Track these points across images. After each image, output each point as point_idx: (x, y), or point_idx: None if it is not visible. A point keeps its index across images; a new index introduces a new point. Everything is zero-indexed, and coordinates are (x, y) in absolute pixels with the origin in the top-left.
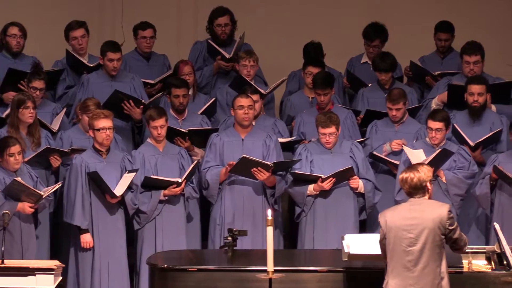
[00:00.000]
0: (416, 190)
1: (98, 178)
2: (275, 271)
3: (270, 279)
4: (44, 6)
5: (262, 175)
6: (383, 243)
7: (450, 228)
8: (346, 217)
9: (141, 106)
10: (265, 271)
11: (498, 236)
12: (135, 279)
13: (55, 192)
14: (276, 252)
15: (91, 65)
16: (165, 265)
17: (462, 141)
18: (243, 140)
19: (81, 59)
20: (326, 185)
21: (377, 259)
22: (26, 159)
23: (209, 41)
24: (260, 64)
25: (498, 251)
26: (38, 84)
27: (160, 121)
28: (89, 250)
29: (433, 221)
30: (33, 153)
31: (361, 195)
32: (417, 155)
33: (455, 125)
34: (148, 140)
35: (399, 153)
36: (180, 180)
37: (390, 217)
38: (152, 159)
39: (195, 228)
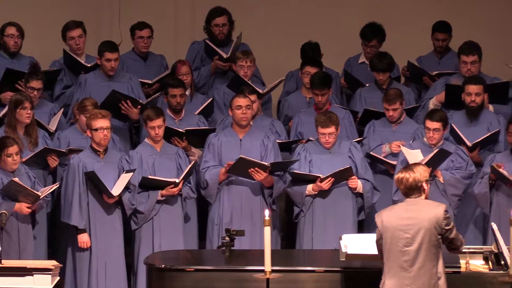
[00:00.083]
0: (412, 190)
1: (96, 178)
2: (273, 271)
3: (268, 279)
4: (42, 6)
5: (259, 176)
6: (379, 243)
7: (447, 228)
8: (345, 217)
9: (139, 106)
10: (262, 271)
11: (495, 236)
12: (132, 279)
13: (52, 192)
14: (273, 252)
15: (89, 65)
16: (163, 265)
17: (459, 141)
18: (241, 140)
19: (78, 59)
20: (325, 185)
21: (375, 259)
22: (23, 159)
23: (207, 41)
24: (258, 64)
25: (496, 251)
26: (36, 84)
27: (158, 121)
28: (86, 250)
29: (429, 221)
30: (31, 153)
31: (360, 195)
32: (414, 155)
33: (453, 125)
34: (146, 140)
35: (397, 154)
36: (177, 180)
37: (386, 217)
38: (149, 159)
39: (193, 228)
